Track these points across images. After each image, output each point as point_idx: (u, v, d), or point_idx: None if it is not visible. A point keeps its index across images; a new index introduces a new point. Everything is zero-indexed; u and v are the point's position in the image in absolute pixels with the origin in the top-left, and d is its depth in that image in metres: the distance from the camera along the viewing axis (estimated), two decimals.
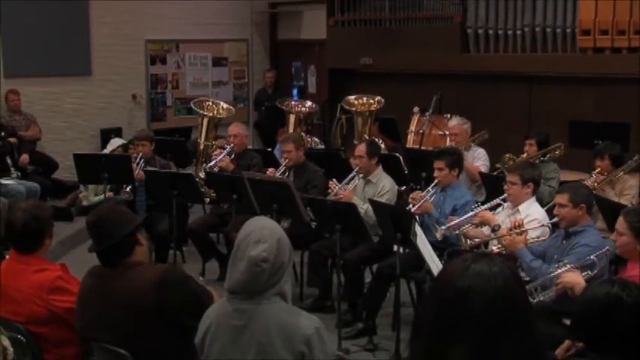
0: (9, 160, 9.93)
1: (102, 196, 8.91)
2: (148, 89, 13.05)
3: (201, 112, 10.14)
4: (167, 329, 3.72)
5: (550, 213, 6.18)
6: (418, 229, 5.78)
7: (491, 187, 7.63)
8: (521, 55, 10.69)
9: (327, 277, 7.34)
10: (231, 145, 8.56)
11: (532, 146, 8.21)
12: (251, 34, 14.06)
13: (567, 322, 4.74)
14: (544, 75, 10.64)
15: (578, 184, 6.65)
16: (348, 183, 7.42)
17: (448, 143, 8.74)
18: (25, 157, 10.46)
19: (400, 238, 5.97)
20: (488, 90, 11.13)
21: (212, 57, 13.69)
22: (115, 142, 10.37)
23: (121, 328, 3.74)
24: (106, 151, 10.42)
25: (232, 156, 8.50)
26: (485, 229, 6.33)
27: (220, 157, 8.41)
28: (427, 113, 9.89)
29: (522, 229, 5.70)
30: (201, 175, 8.95)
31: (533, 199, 6.36)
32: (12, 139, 10.39)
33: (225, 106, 10.49)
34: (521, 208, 6.27)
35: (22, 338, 4.11)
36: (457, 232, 6.37)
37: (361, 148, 7.47)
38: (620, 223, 4.81)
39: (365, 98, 10.37)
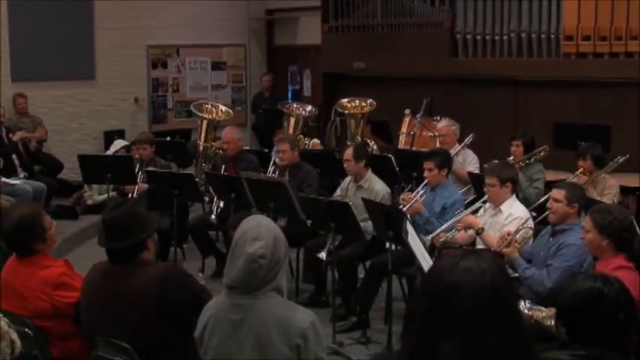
0: (16, 161, 9.91)
1: (105, 196, 8.92)
2: (149, 92, 13.03)
3: (201, 114, 10.14)
4: (168, 324, 3.72)
5: (540, 213, 6.20)
6: (409, 227, 5.78)
7: (481, 187, 7.65)
8: (507, 59, 10.70)
9: (321, 273, 7.34)
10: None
11: (518, 147, 8.21)
12: (248, 40, 14.04)
13: None
14: (529, 79, 10.65)
15: (574, 183, 6.66)
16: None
17: (438, 144, 8.74)
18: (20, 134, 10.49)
19: (392, 236, 5.98)
20: (476, 93, 11.13)
21: (211, 61, 13.66)
22: (118, 144, 10.36)
23: (124, 323, 3.74)
24: (110, 152, 10.42)
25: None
26: (471, 232, 6.30)
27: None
28: (418, 115, 9.88)
29: (510, 238, 5.63)
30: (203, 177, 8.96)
31: (514, 197, 6.32)
32: (20, 135, 10.41)
33: (223, 108, 10.49)
34: (502, 207, 6.24)
35: (29, 331, 4.11)
36: (443, 239, 6.32)
37: (348, 152, 7.40)
38: (587, 221, 4.83)
39: (357, 101, 10.36)
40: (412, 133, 9.71)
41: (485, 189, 6.41)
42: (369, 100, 10.25)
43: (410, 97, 10.55)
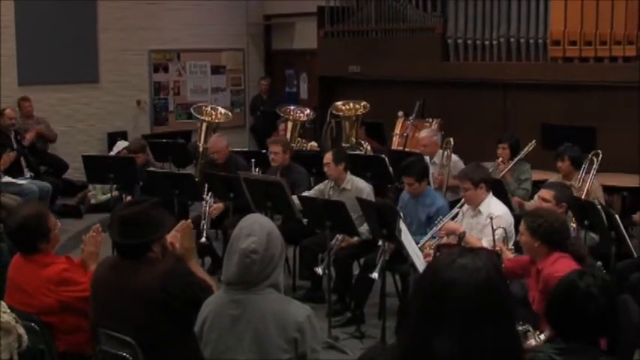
0: (23, 162, 9.92)
1: (109, 195, 8.92)
2: (151, 95, 13.03)
3: (201, 117, 10.14)
4: (171, 321, 3.72)
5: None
6: (402, 226, 5.78)
7: None
8: (497, 63, 10.72)
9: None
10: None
11: (505, 150, 8.21)
12: (247, 44, 14.04)
13: None
14: (518, 82, 10.67)
15: (563, 183, 6.67)
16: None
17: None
18: (30, 135, 10.49)
19: (385, 234, 5.99)
20: (467, 96, 11.16)
21: (211, 65, 13.66)
22: (121, 145, 10.37)
23: (130, 318, 3.74)
24: (113, 153, 10.43)
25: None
26: (453, 237, 6.20)
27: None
28: (410, 117, 9.91)
29: (500, 249, 5.59)
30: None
31: (490, 196, 6.26)
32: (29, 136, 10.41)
33: (223, 111, 10.49)
34: (481, 208, 6.19)
35: (35, 326, 4.12)
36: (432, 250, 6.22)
37: (328, 156, 7.27)
38: (521, 224, 4.86)
39: (352, 103, 10.35)
40: (405, 134, 9.73)
41: (461, 193, 6.38)
42: (363, 103, 10.25)
43: (403, 100, 10.57)
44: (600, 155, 7.41)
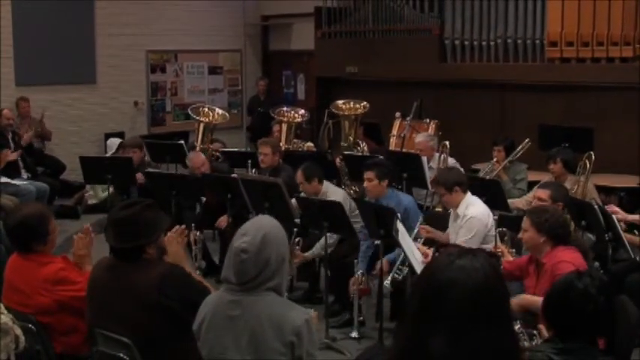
0: (20, 162, 9.91)
1: (106, 193, 8.94)
2: (148, 96, 13.02)
3: (198, 117, 10.12)
4: (168, 322, 3.72)
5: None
6: (400, 226, 5.78)
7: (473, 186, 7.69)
8: (494, 64, 10.72)
9: (315, 270, 7.35)
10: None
11: (500, 152, 8.22)
12: (244, 45, 14.04)
13: None
14: (515, 83, 10.68)
15: (559, 183, 6.68)
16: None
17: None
18: (28, 136, 10.48)
19: (383, 234, 5.98)
20: (464, 97, 11.16)
21: (208, 66, 13.66)
22: (114, 142, 10.42)
23: (127, 319, 3.74)
24: (108, 150, 10.44)
25: None
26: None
27: None
28: (408, 118, 9.91)
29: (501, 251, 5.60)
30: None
31: (466, 197, 6.23)
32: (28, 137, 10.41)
33: (220, 112, 10.47)
34: (459, 211, 6.20)
35: (32, 327, 4.11)
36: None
37: (299, 176, 7.12)
38: (525, 221, 4.92)
39: (352, 103, 10.26)
40: (402, 135, 9.73)
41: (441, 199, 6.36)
42: (363, 103, 10.18)
43: (400, 101, 10.58)
44: (593, 157, 7.41)
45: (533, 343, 4.02)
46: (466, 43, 10.98)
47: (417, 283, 2.11)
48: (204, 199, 8.47)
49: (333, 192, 7.15)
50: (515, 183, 8.05)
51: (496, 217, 6.09)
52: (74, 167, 10.38)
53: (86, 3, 12.04)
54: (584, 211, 6.27)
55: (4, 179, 8.94)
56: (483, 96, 11.06)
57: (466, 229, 6.08)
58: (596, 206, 6.18)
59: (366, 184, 6.78)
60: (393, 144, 9.99)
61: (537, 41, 10.21)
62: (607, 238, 5.94)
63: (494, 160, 8.24)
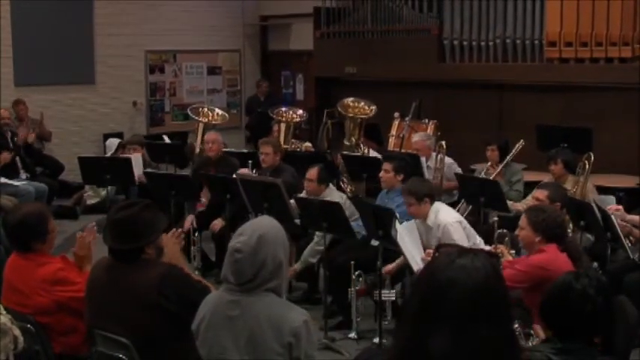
0: (19, 163, 9.91)
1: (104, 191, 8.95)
2: (147, 96, 13.02)
3: (197, 117, 10.13)
4: (166, 321, 3.72)
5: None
6: (399, 227, 5.79)
7: (468, 186, 7.70)
8: (493, 64, 10.72)
9: (313, 271, 7.35)
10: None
11: (494, 151, 8.17)
12: (243, 45, 14.04)
13: None
14: (514, 83, 10.68)
15: (557, 184, 6.67)
16: None
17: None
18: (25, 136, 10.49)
19: (382, 235, 5.98)
20: (463, 97, 11.16)
21: (207, 66, 13.65)
22: (113, 142, 10.41)
23: (126, 319, 3.74)
24: (107, 150, 10.44)
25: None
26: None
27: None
28: (407, 118, 9.90)
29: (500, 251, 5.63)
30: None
31: (434, 207, 6.19)
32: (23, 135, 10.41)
33: (219, 112, 10.48)
34: (429, 222, 6.15)
35: (30, 327, 4.11)
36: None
37: (312, 173, 7.21)
38: (522, 219, 4.94)
39: (362, 103, 10.10)
40: (401, 135, 9.73)
41: (406, 208, 6.33)
42: (373, 106, 10.03)
43: (399, 101, 10.57)
44: (592, 158, 7.41)
45: (530, 344, 4.03)
46: (465, 43, 10.98)
47: (416, 283, 2.11)
48: (203, 199, 8.51)
49: (329, 194, 7.21)
50: (512, 185, 8.04)
51: (496, 218, 6.10)
52: (73, 167, 10.38)
53: (85, 3, 12.03)
54: (583, 211, 6.28)
55: (3, 180, 8.94)
56: (482, 96, 11.07)
57: (448, 237, 6.04)
58: (594, 206, 6.19)
59: (382, 174, 6.96)
60: (391, 144, 9.97)
61: (536, 41, 10.22)
62: (606, 238, 5.96)
63: (489, 163, 8.20)
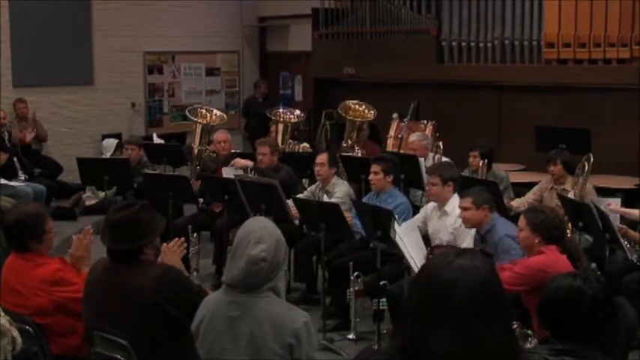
0: (17, 164, 9.90)
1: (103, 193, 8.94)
2: (146, 97, 13.02)
3: (196, 119, 10.12)
4: (165, 322, 3.71)
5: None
6: (397, 227, 5.77)
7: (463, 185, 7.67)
8: (491, 65, 10.72)
9: (312, 272, 7.34)
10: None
11: (475, 157, 8.10)
12: (242, 46, 14.05)
13: None
14: (512, 84, 10.68)
15: (479, 188, 6.39)
16: None
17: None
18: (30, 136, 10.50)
19: (380, 236, 5.97)
20: (462, 98, 11.17)
21: (205, 67, 13.66)
22: (111, 143, 10.40)
23: (124, 320, 3.73)
24: (104, 151, 10.43)
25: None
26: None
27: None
28: (405, 119, 9.88)
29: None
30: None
31: (455, 196, 6.22)
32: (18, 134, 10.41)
33: (217, 113, 10.46)
34: (447, 209, 6.20)
35: (29, 328, 4.10)
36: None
37: (322, 157, 7.40)
38: (521, 220, 4.95)
39: (364, 107, 10.07)
40: (400, 136, 9.70)
41: (427, 188, 6.38)
42: (373, 111, 10.03)
43: (397, 102, 10.56)
44: (592, 159, 7.41)
45: (529, 344, 4.02)
46: (463, 44, 10.99)
47: (415, 284, 2.11)
48: (201, 200, 8.50)
49: (341, 183, 7.42)
50: (503, 193, 7.98)
51: None
52: (71, 169, 10.38)
53: (83, 4, 12.04)
54: (582, 212, 6.28)
55: (2, 181, 8.94)
56: (481, 97, 11.07)
57: (466, 234, 6.04)
58: (593, 207, 6.19)
59: (371, 176, 6.90)
60: (390, 145, 9.95)
61: (534, 42, 10.22)
62: (605, 239, 5.95)
63: (472, 169, 8.12)
